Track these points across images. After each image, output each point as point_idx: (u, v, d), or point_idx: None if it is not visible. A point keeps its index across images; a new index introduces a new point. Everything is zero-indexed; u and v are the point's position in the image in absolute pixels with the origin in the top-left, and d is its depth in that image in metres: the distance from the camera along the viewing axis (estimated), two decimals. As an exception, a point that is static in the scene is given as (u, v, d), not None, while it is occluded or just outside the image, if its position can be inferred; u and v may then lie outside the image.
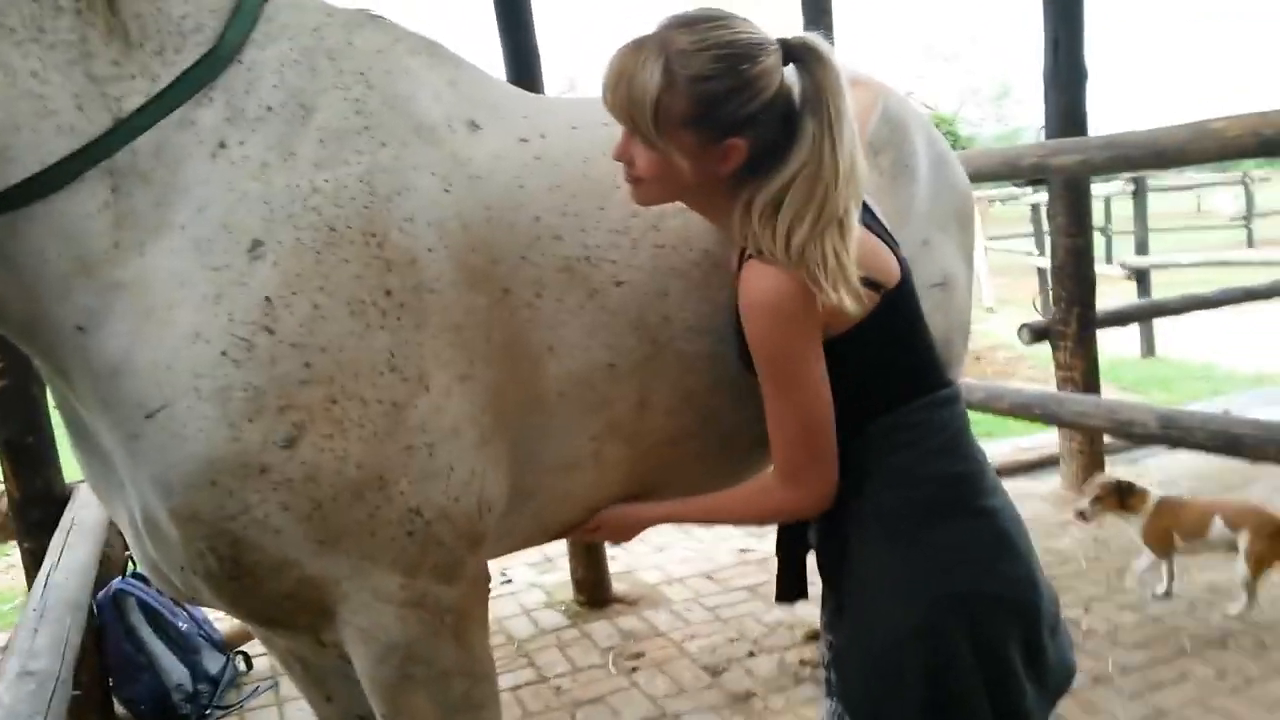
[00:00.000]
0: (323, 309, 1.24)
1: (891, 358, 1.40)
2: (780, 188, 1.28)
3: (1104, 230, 12.19)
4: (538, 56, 3.49)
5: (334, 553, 1.29)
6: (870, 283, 1.32)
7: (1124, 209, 10.89)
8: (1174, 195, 19.16)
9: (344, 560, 1.30)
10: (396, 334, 1.29)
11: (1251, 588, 3.09)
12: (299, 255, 1.24)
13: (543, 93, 3.51)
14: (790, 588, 1.56)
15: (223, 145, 1.25)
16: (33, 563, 2.82)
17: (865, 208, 1.41)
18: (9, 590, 4.50)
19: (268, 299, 1.22)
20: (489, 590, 1.49)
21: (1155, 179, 13.57)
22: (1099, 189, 11.52)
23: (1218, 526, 3.13)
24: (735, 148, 1.30)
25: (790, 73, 1.32)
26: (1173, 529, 3.20)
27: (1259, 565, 3.07)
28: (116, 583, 3.13)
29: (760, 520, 1.52)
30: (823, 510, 1.43)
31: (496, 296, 1.40)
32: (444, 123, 1.42)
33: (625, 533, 1.63)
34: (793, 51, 1.30)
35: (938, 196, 1.93)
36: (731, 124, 1.28)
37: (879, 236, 1.39)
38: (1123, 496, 3.22)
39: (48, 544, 2.57)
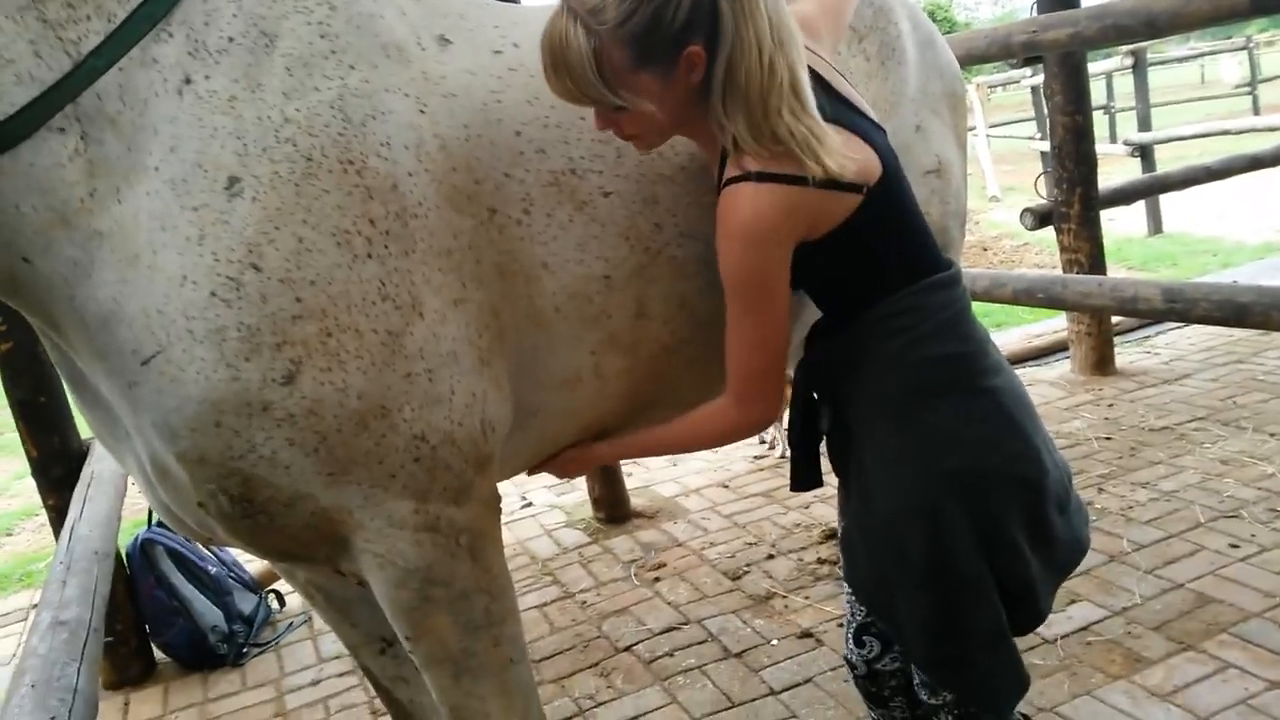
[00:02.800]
0: (308, 242, 1.23)
1: (881, 249, 1.39)
2: (721, 80, 1.27)
3: (1106, 108, 11.96)
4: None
5: (344, 483, 1.30)
6: (850, 185, 1.31)
7: (1126, 86, 10.66)
8: (1177, 67, 18.75)
9: (355, 490, 1.31)
10: (385, 262, 1.27)
11: None
12: (277, 189, 1.22)
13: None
14: (805, 477, 1.59)
15: (188, 81, 1.22)
16: (58, 519, 2.87)
17: (842, 100, 1.39)
18: (43, 550, 4.58)
19: (250, 236, 1.20)
20: (501, 509, 1.51)
21: (1156, 52, 13.24)
22: (1099, 66, 11.25)
23: None
24: (693, 55, 1.27)
25: None
26: None
27: None
28: (142, 532, 3.19)
29: (712, 443, 1.56)
30: (765, 427, 1.49)
31: (483, 217, 1.39)
32: (412, 40, 1.39)
33: (580, 469, 1.70)
34: None
35: (928, 80, 1.89)
36: (675, 41, 1.25)
37: (855, 130, 1.36)
38: None
39: (70, 499, 2.61)
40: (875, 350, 1.42)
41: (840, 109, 1.37)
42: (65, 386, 1.43)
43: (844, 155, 1.28)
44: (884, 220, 1.37)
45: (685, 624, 2.89)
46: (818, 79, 1.36)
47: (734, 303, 1.38)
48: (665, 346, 1.57)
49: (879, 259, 1.40)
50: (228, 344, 1.19)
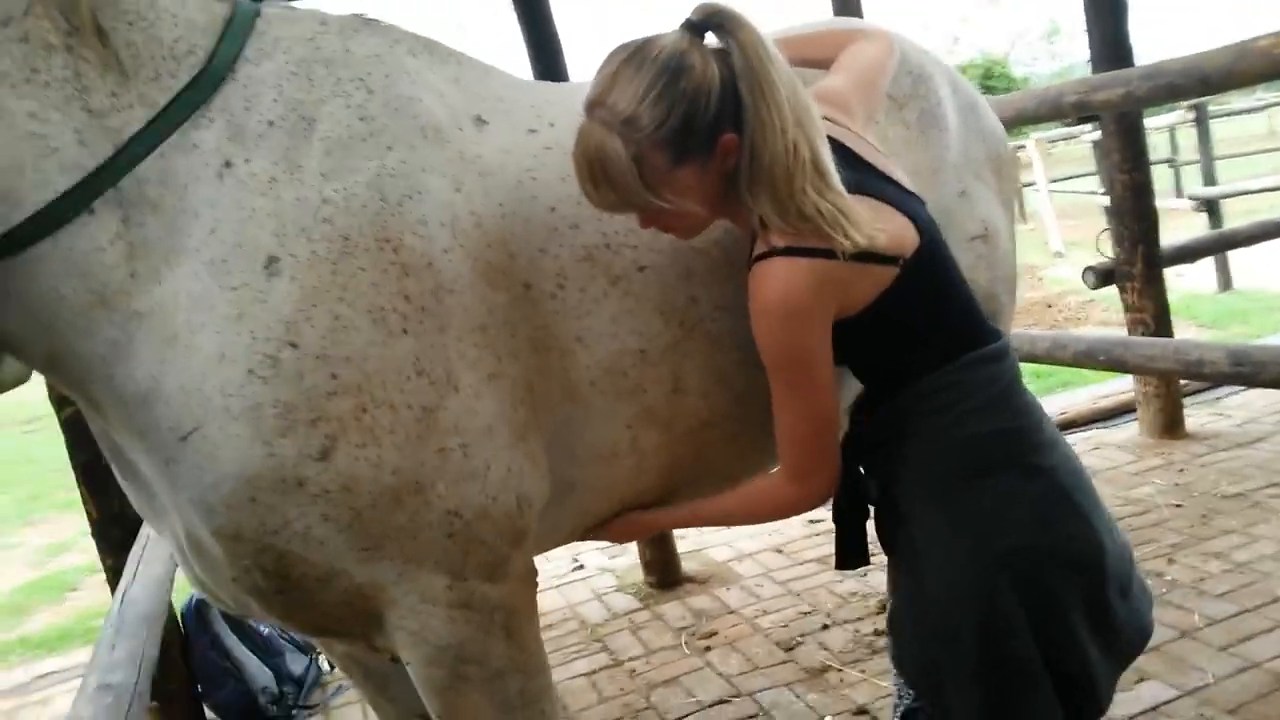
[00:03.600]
0: (343, 319, 1.24)
1: (922, 323, 1.37)
2: (748, 162, 1.28)
3: (1170, 162, 11.75)
4: (558, 41, 3.47)
5: (378, 559, 1.30)
6: (884, 258, 1.29)
7: (1191, 138, 10.47)
8: (1244, 119, 18.37)
9: (389, 566, 1.31)
10: (420, 338, 1.28)
11: None
12: (315, 268, 1.24)
13: (567, 77, 3.50)
14: (850, 555, 1.55)
15: (228, 164, 1.26)
16: (115, 579, 2.92)
17: (876, 172, 1.37)
18: (105, 607, 4.67)
19: (288, 314, 1.22)
20: (537, 585, 1.49)
21: (1220, 103, 12.97)
22: (1162, 120, 11.08)
23: None
24: (727, 143, 1.28)
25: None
26: None
27: None
28: (197, 593, 3.22)
29: (770, 517, 1.53)
30: (824, 501, 1.44)
31: (518, 292, 1.39)
32: (449, 121, 1.41)
33: (634, 535, 1.68)
34: (702, 26, 1.29)
35: (970, 145, 1.87)
36: (709, 134, 1.27)
37: (890, 201, 1.35)
38: None
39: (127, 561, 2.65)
40: (920, 427, 1.39)
41: (873, 181, 1.36)
42: (109, 461, 1.46)
43: (873, 227, 1.26)
44: (923, 293, 1.35)
45: (736, 697, 2.83)
46: (849, 153, 1.35)
47: (776, 379, 1.36)
48: (703, 421, 1.56)
49: (920, 333, 1.37)
50: (264, 420, 1.21)
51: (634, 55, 1.28)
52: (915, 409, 1.39)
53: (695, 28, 1.29)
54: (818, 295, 1.29)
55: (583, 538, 1.66)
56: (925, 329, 1.38)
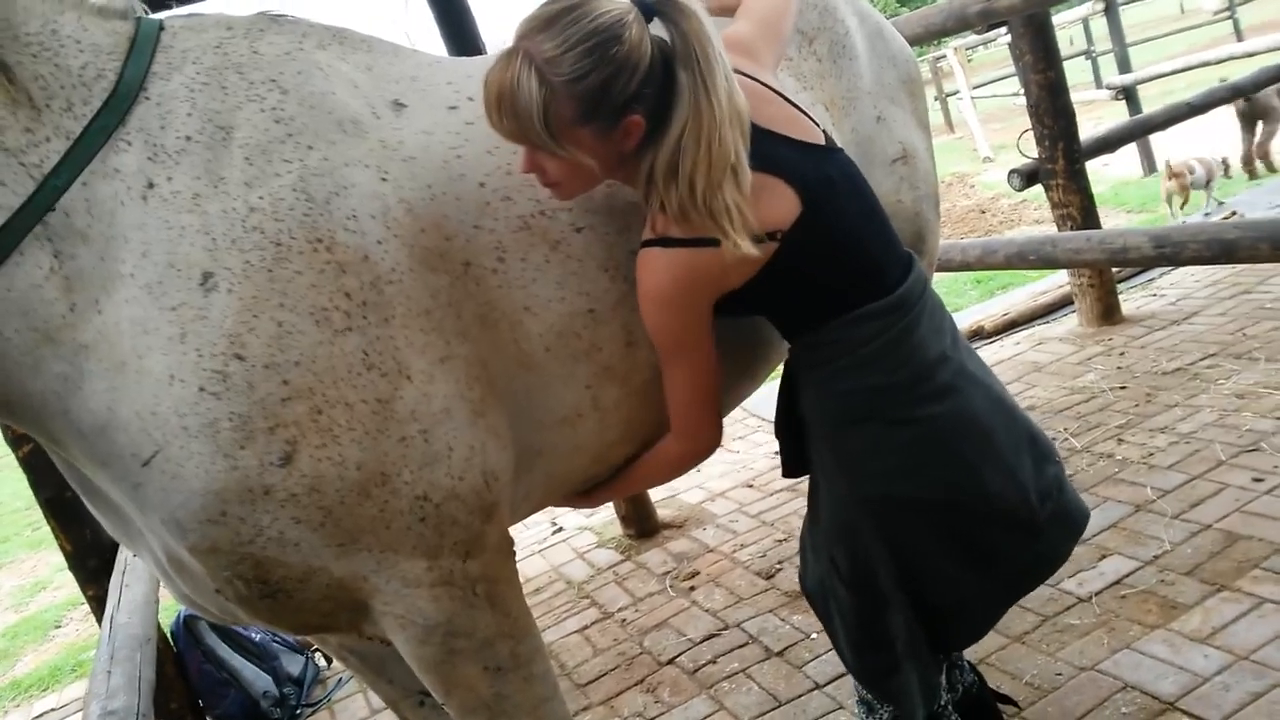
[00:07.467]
0: (287, 325, 1.25)
1: (807, 285, 1.42)
2: (672, 147, 1.30)
3: (1087, 53, 11.91)
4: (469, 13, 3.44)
5: (355, 552, 1.32)
6: (763, 235, 1.34)
7: (1105, 27, 10.59)
8: (1154, 2, 18.61)
9: (366, 557, 1.34)
10: (365, 333, 1.30)
11: None
12: (251, 278, 1.25)
13: (483, 49, 3.47)
14: (792, 463, 1.64)
15: (151, 185, 1.25)
16: (99, 608, 2.91)
17: (766, 134, 1.40)
18: (91, 639, 4.65)
19: (230, 327, 1.23)
20: (514, 553, 1.53)
21: (1130, -11, 13.08)
22: (1073, 13, 11.21)
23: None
24: (632, 124, 1.31)
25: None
26: None
27: None
28: (184, 610, 3.24)
29: (667, 476, 1.67)
30: (711, 453, 1.57)
31: (458, 272, 1.41)
32: (367, 111, 1.42)
33: (584, 507, 1.78)
34: (651, 9, 1.30)
35: (882, 70, 1.91)
36: (621, 106, 1.29)
37: (781, 169, 1.38)
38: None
39: (109, 588, 2.65)
40: (803, 378, 1.50)
41: (762, 146, 1.37)
42: (79, 492, 1.47)
43: (751, 230, 1.30)
44: (807, 257, 1.39)
45: (725, 629, 2.91)
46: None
47: (661, 356, 1.46)
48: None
49: (805, 293, 1.43)
50: (221, 435, 1.22)
51: (579, 5, 1.27)
52: (798, 362, 1.50)
53: (644, 8, 1.30)
54: (693, 284, 1.36)
55: (559, 504, 1.73)
56: (810, 290, 1.43)
